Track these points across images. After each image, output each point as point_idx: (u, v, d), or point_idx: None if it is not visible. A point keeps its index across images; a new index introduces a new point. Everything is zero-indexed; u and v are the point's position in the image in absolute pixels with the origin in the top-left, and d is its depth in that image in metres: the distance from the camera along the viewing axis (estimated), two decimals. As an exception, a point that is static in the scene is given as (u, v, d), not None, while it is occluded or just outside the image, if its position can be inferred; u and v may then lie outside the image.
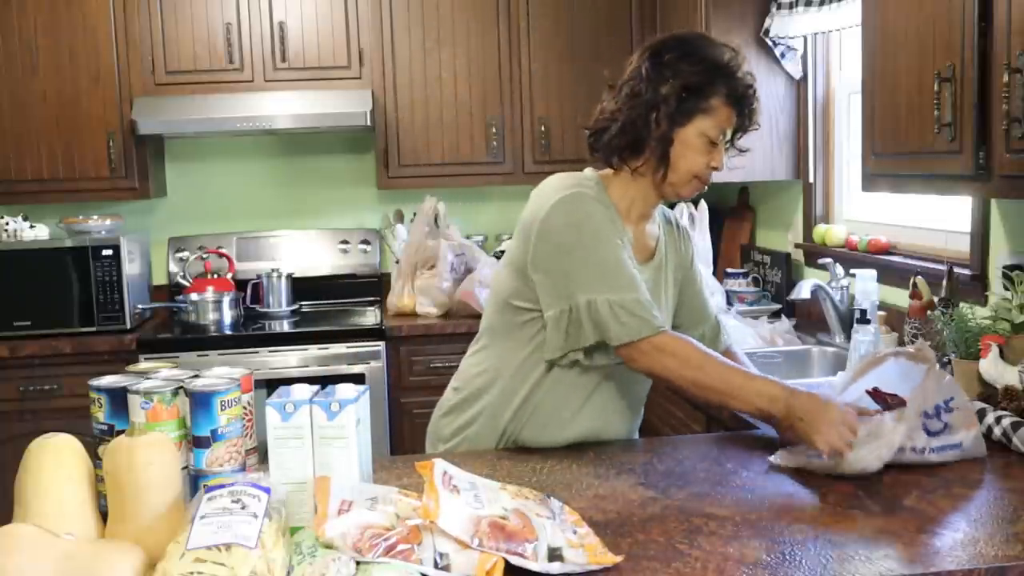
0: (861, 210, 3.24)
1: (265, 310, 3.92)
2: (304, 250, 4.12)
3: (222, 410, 1.41)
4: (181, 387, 1.44)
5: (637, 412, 2.00)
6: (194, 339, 3.58)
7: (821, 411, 1.65)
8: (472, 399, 1.93)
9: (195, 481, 1.41)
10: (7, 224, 3.61)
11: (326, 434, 1.42)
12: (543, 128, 3.89)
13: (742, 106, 1.83)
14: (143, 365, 1.62)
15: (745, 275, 3.63)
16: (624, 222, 1.86)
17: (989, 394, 1.96)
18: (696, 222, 3.58)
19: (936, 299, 2.39)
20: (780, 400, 1.70)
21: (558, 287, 1.77)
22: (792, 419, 1.68)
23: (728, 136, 1.84)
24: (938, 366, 1.77)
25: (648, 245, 1.93)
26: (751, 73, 1.85)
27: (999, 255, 2.40)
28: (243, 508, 1.19)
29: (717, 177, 3.32)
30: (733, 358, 1.98)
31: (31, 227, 3.65)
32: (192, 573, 1.10)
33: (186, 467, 1.43)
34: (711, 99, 1.79)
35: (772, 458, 1.71)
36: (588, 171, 1.91)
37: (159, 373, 1.53)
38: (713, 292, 3.40)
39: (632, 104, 1.80)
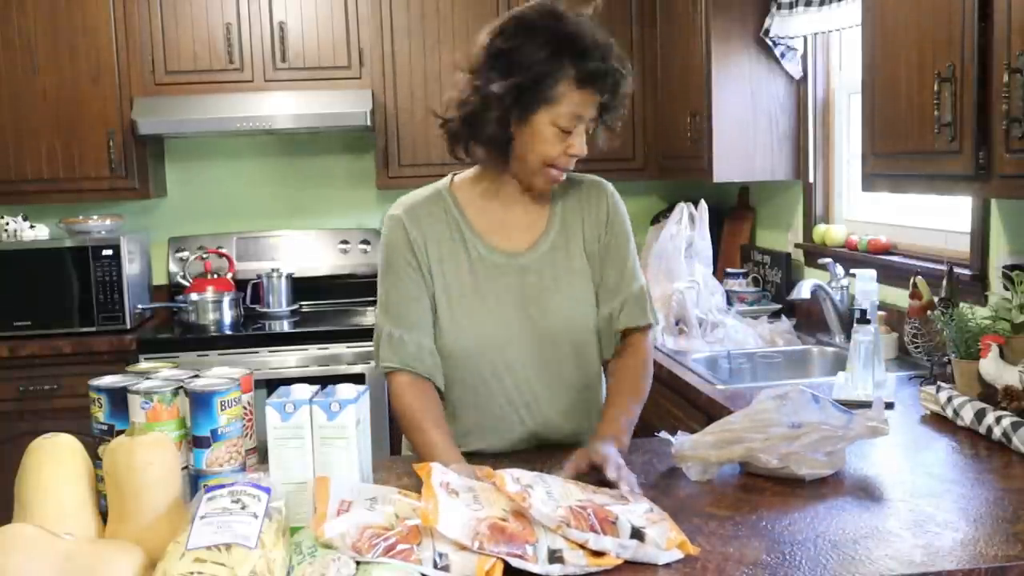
0: (861, 210, 3.24)
1: (265, 310, 3.92)
2: (304, 250, 4.12)
3: (222, 410, 1.41)
4: (181, 387, 1.44)
5: (591, 408, 1.87)
6: (194, 339, 3.58)
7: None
8: None
9: (195, 481, 1.41)
10: (7, 224, 3.61)
11: (326, 434, 1.42)
12: (543, 128, 3.89)
13: (598, 84, 1.66)
14: (143, 365, 1.62)
15: (745, 275, 3.63)
16: (480, 220, 1.80)
17: (989, 394, 1.96)
18: (696, 222, 3.58)
19: (936, 299, 2.39)
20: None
21: None
22: None
23: (590, 117, 1.69)
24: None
25: (533, 227, 1.82)
26: (608, 44, 1.67)
27: (999, 255, 2.40)
28: (243, 508, 1.19)
29: (717, 177, 3.38)
30: (632, 354, 1.81)
31: (31, 227, 3.65)
32: (192, 573, 1.10)
33: (186, 467, 1.43)
34: (556, 87, 1.65)
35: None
36: (446, 178, 1.85)
37: (159, 373, 1.53)
38: (713, 292, 3.40)
39: (470, 98, 1.70)
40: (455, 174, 1.87)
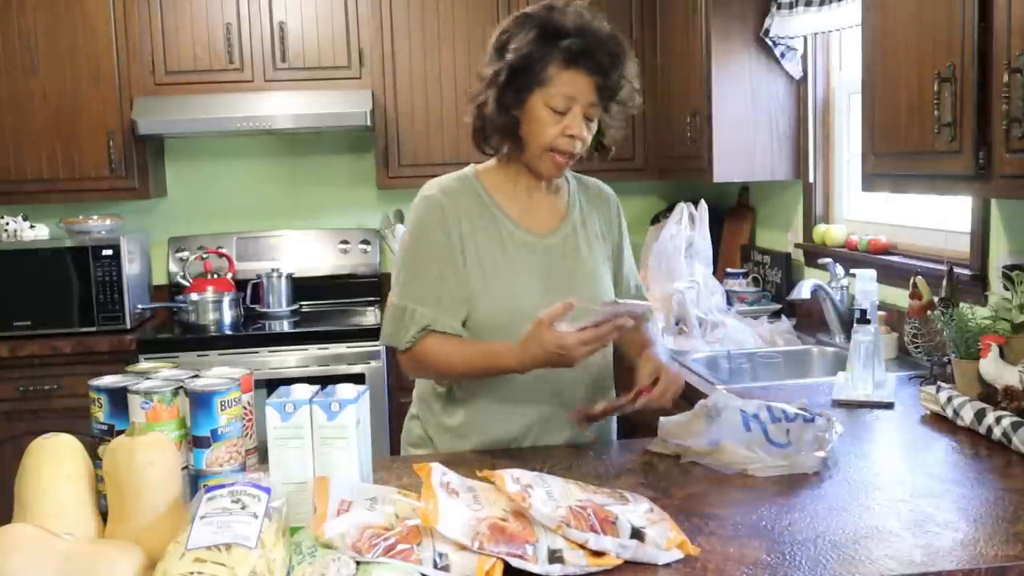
0: (861, 210, 3.24)
1: (265, 310, 3.92)
2: (304, 250, 4.12)
3: (222, 410, 1.41)
4: (181, 387, 1.44)
5: (606, 391, 1.96)
6: (194, 339, 3.58)
7: (534, 339, 1.68)
8: (418, 405, 1.98)
9: (195, 481, 1.41)
10: (7, 224, 3.61)
11: (326, 434, 1.42)
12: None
13: (591, 63, 1.73)
14: (143, 365, 1.62)
15: (745, 275, 3.63)
16: (508, 204, 1.87)
17: (989, 394, 1.96)
18: (696, 222, 3.58)
19: (936, 299, 2.38)
20: (515, 357, 1.72)
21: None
22: (539, 358, 1.69)
23: (588, 101, 1.76)
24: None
25: (555, 212, 1.92)
26: (595, 26, 1.74)
27: (999, 255, 2.40)
28: (243, 508, 1.19)
29: (717, 177, 3.38)
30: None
31: (31, 227, 3.65)
32: (192, 573, 1.10)
33: (186, 467, 1.43)
34: (547, 69, 1.73)
35: (650, 447, 1.81)
36: (469, 167, 1.92)
37: (159, 373, 1.53)
38: (713, 292, 3.40)
39: (476, 86, 1.82)
40: (475, 165, 1.94)
